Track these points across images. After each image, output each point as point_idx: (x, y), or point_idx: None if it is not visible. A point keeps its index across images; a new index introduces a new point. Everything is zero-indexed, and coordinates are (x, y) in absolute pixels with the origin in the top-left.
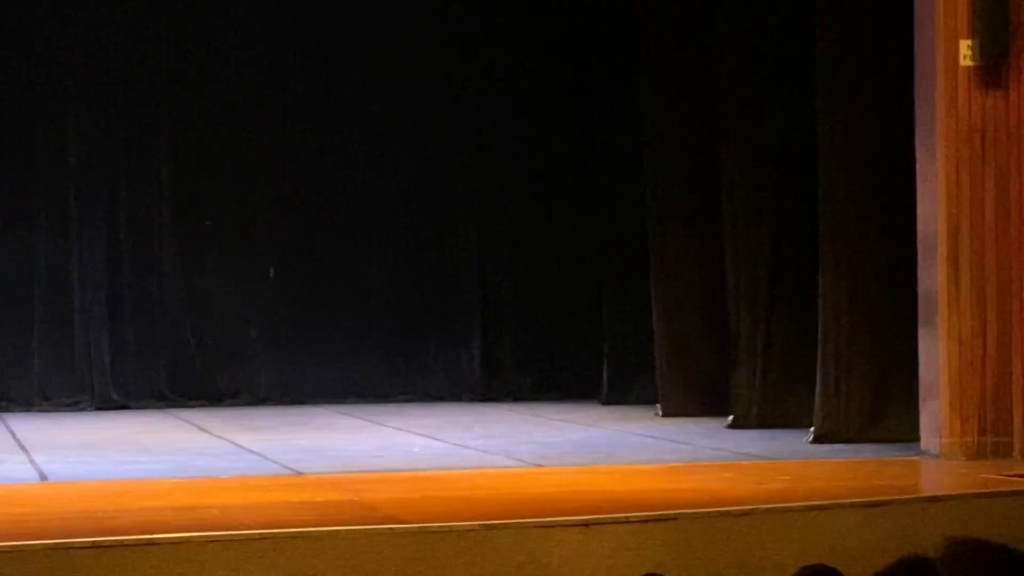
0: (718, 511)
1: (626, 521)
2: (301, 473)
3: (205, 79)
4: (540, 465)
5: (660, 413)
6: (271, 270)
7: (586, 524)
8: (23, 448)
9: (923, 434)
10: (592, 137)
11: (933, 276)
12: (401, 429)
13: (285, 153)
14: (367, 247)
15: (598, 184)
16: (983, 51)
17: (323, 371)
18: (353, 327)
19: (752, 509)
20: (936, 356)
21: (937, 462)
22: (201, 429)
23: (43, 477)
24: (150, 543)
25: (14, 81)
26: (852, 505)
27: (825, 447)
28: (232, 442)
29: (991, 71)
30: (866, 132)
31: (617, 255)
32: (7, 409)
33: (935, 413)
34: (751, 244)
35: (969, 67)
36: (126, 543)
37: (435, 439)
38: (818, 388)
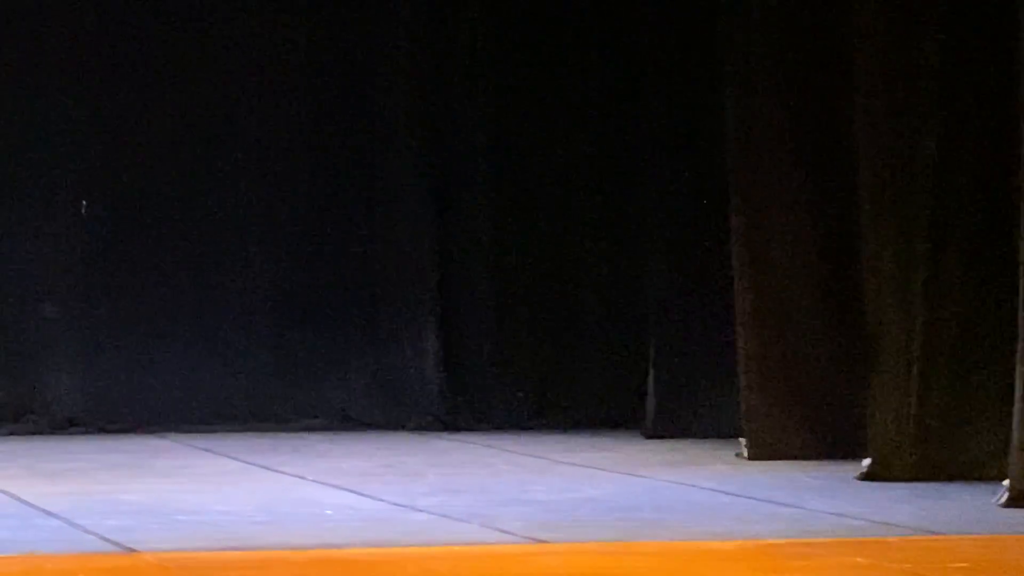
0: None
1: None
2: (133, 550)
3: None
4: (538, 541)
5: (746, 454)
6: (83, 204)
7: None
8: None
9: None
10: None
11: None
12: (303, 477)
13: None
14: (255, 186)
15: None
16: None
17: (169, 379)
18: (222, 308)
19: None
20: None
21: None
22: None
23: None
24: None
25: None
26: None
27: None
28: (15, 496)
29: None
30: None
31: (673, 202)
32: None
33: None
34: (901, 191)
35: None
36: None
37: (362, 494)
38: (1017, 418)
